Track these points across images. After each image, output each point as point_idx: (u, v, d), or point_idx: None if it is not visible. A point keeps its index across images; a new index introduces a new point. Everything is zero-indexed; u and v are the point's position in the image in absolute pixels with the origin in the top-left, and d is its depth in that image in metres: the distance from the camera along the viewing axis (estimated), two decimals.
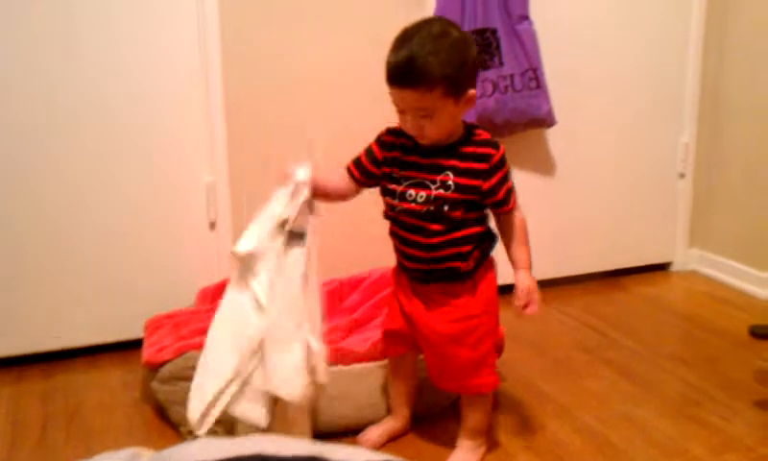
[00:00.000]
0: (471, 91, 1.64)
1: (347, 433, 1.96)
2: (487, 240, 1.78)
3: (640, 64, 3.01)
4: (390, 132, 1.77)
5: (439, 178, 1.68)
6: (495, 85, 2.66)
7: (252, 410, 1.64)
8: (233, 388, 1.63)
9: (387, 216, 1.78)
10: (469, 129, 1.73)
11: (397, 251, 1.81)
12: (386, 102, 1.67)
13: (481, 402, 1.86)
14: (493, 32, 2.64)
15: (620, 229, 3.14)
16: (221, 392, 1.63)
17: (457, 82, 1.60)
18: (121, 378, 2.32)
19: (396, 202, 1.72)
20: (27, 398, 2.22)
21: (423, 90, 1.57)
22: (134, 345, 2.34)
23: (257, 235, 1.63)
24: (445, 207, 1.67)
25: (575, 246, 3.05)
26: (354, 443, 1.91)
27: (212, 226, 2.55)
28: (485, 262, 1.79)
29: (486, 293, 1.78)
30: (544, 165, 2.95)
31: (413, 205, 1.70)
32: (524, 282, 1.73)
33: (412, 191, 1.70)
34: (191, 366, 1.96)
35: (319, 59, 2.56)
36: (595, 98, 2.97)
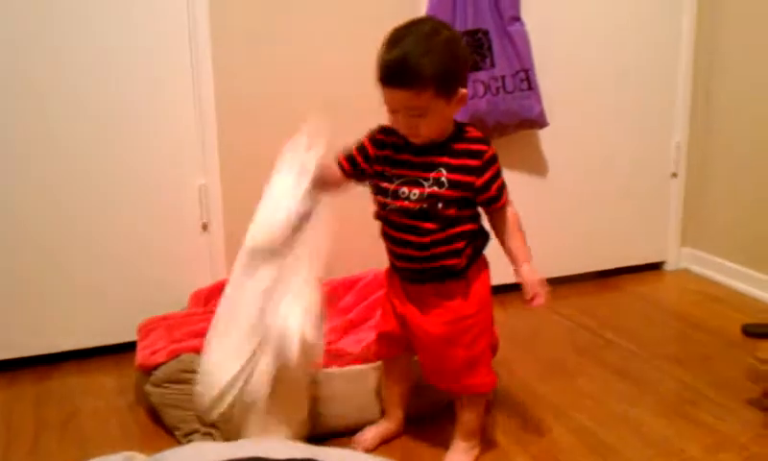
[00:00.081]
0: (463, 90, 1.64)
1: (341, 435, 1.95)
2: (480, 238, 1.78)
3: (632, 65, 3.02)
4: (382, 130, 1.76)
5: (432, 175, 1.68)
6: (487, 87, 2.66)
7: (255, 393, 1.64)
8: (246, 374, 1.64)
9: (378, 216, 1.78)
10: (460, 126, 1.73)
11: (390, 252, 1.80)
12: (381, 103, 1.66)
13: (476, 403, 1.85)
14: (485, 33, 2.64)
15: (613, 228, 3.15)
16: (235, 378, 1.64)
17: (449, 82, 1.60)
18: (114, 382, 2.31)
19: (388, 200, 1.72)
20: (20, 402, 2.21)
21: (416, 91, 1.57)
22: (128, 348, 2.33)
23: (272, 226, 1.63)
24: (439, 205, 1.67)
25: (568, 246, 3.06)
26: (348, 444, 1.91)
27: (205, 228, 2.55)
28: (478, 261, 1.79)
29: (479, 293, 1.78)
30: (536, 166, 2.95)
31: (406, 202, 1.69)
32: (530, 275, 1.72)
33: (405, 189, 1.70)
34: (185, 369, 1.97)
35: (311, 60, 2.56)
36: (587, 99, 2.97)
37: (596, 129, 3.02)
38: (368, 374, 2.01)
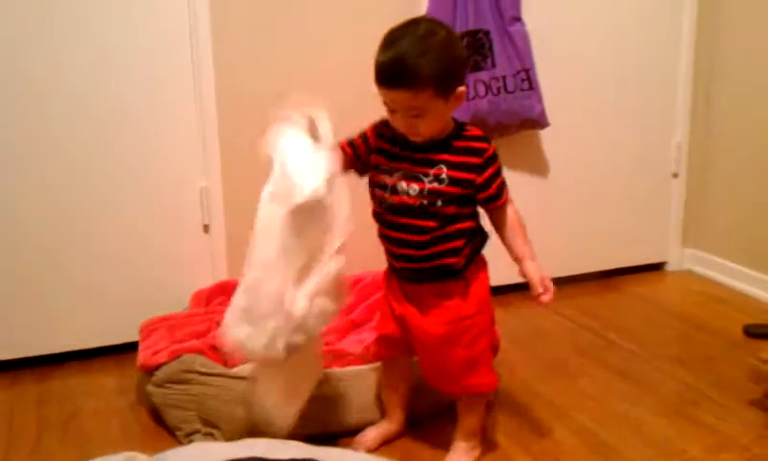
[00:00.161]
0: (461, 88, 1.64)
1: (342, 435, 1.95)
2: (478, 236, 1.78)
3: (633, 65, 3.01)
4: (385, 123, 1.75)
5: (432, 171, 1.68)
6: (488, 87, 2.66)
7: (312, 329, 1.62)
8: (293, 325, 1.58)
9: (375, 214, 1.77)
10: (460, 125, 1.73)
11: (388, 252, 1.80)
12: (381, 102, 1.66)
13: (477, 403, 1.85)
14: (486, 33, 2.64)
15: (614, 229, 3.14)
16: (280, 329, 1.57)
17: (446, 81, 1.60)
18: (116, 382, 2.31)
19: (386, 195, 1.71)
20: (21, 402, 2.21)
21: (414, 91, 1.57)
22: (129, 348, 2.33)
23: (317, 176, 1.56)
24: (439, 202, 1.67)
25: (569, 247, 3.05)
26: (349, 445, 1.91)
27: (206, 229, 2.55)
28: (477, 261, 1.78)
29: (478, 293, 1.78)
30: (537, 166, 2.95)
31: (404, 198, 1.69)
32: (536, 272, 1.72)
33: (403, 184, 1.69)
34: (186, 369, 1.97)
35: (311, 61, 2.56)
36: (588, 99, 2.97)
37: (597, 129, 3.02)
38: (369, 374, 2.01)
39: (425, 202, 1.67)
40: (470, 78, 2.61)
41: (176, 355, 2.01)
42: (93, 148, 2.36)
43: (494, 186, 1.71)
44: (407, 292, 1.80)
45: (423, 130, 1.65)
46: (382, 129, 1.76)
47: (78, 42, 2.29)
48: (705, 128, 3.13)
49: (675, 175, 3.19)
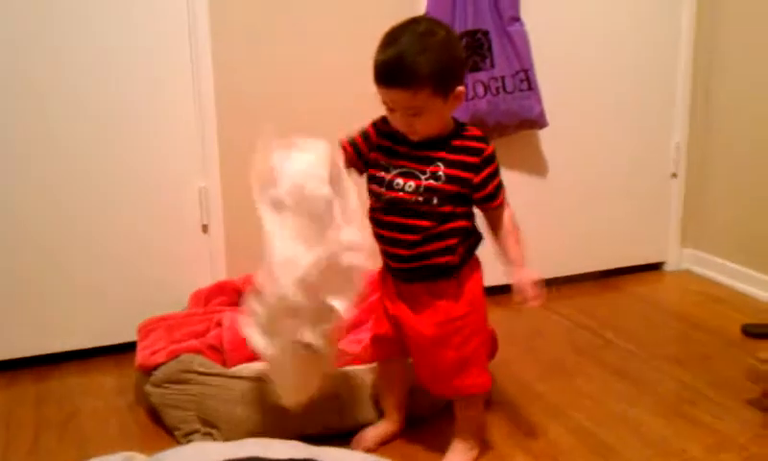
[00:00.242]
0: (460, 88, 1.65)
1: (340, 435, 1.95)
2: (473, 236, 1.78)
3: (632, 65, 3.02)
4: (384, 120, 1.76)
5: (429, 168, 1.68)
6: (487, 87, 2.66)
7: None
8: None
9: (370, 212, 1.76)
10: (460, 125, 1.73)
11: (382, 252, 1.79)
12: (381, 101, 1.67)
13: (474, 403, 1.86)
14: (485, 33, 2.64)
15: (613, 229, 3.15)
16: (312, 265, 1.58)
17: (445, 80, 1.60)
18: (114, 382, 2.32)
19: (382, 190, 1.71)
20: (20, 402, 2.21)
21: (412, 90, 1.58)
22: (128, 348, 2.33)
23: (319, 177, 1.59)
24: (434, 200, 1.67)
25: (568, 246, 3.06)
26: (348, 445, 1.91)
27: (205, 229, 2.55)
28: (470, 261, 1.78)
29: (472, 292, 1.78)
30: (536, 166, 2.95)
31: (400, 194, 1.69)
32: (522, 277, 1.72)
33: (400, 180, 1.69)
34: (185, 369, 1.97)
35: (311, 61, 2.56)
36: (587, 99, 2.97)
37: (596, 129, 3.02)
38: (367, 374, 2.01)
39: (421, 199, 1.67)
40: (469, 78, 2.62)
41: (174, 355, 2.01)
42: (93, 148, 2.37)
43: (491, 187, 1.71)
44: (401, 291, 1.80)
45: (421, 129, 1.65)
46: (383, 126, 1.76)
47: (78, 42, 2.29)
48: (704, 124, 3.13)
49: (674, 175, 3.20)
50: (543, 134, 2.88)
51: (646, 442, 1.97)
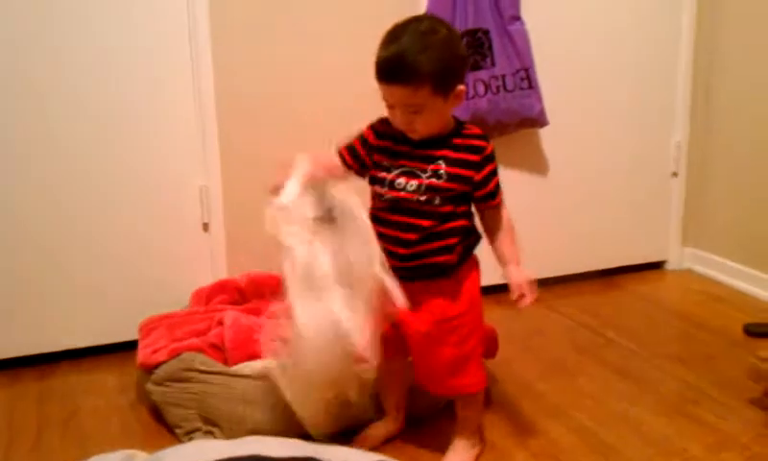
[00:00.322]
0: (460, 87, 1.65)
1: (341, 434, 1.95)
2: (472, 236, 1.78)
3: (632, 64, 3.02)
4: (383, 121, 1.76)
5: (430, 167, 1.68)
6: (487, 86, 2.66)
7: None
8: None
9: (372, 211, 1.76)
10: (460, 123, 1.73)
11: (383, 250, 1.79)
12: (381, 101, 1.67)
13: (474, 401, 1.86)
14: (485, 32, 2.64)
15: (614, 228, 3.14)
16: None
17: (446, 79, 1.60)
18: (116, 380, 2.32)
19: (384, 190, 1.72)
20: (22, 401, 2.21)
21: (413, 87, 1.58)
22: (129, 347, 2.33)
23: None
24: (437, 200, 1.67)
25: (569, 245, 3.06)
26: (349, 444, 1.90)
27: (206, 227, 2.55)
28: (469, 261, 1.79)
29: (469, 292, 1.78)
30: (537, 165, 2.95)
31: (402, 193, 1.69)
32: (517, 276, 1.73)
33: (402, 180, 1.70)
34: (186, 367, 1.97)
35: (311, 61, 2.56)
36: (587, 98, 2.97)
37: (597, 128, 3.02)
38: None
39: (423, 198, 1.67)
40: (470, 77, 2.62)
41: (175, 354, 2.01)
42: (93, 148, 2.37)
43: (492, 185, 1.72)
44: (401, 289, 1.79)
45: (421, 127, 1.65)
46: (382, 127, 1.76)
47: (78, 42, 2.30)
48: (704, 124, 3.13)
49: (674, 174, 3.20)
50: (544, 133, 2.88)
51: (647, 441, 1.97)
